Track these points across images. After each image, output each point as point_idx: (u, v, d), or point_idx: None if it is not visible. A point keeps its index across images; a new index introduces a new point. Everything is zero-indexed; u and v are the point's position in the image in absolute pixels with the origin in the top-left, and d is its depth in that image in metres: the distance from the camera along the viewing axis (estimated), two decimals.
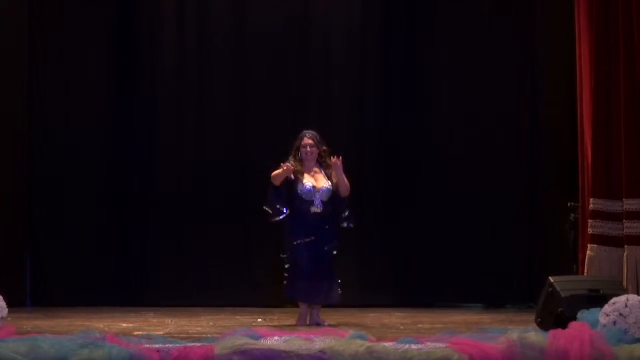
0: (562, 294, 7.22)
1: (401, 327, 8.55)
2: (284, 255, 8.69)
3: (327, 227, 8.63)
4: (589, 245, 9.22)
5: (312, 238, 8.55)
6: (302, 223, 8.58)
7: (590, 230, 9.24)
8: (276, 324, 8.76)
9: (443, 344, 6.08)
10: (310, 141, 8.72)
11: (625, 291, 7.55)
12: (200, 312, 9.91)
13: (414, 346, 6.05)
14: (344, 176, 8.71)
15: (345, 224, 8.76)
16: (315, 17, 11.16)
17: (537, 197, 11.09)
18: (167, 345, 6.07)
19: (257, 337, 6.15)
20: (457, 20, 11.17)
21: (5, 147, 10.60)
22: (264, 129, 10.92)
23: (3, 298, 6.95)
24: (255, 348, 5.92)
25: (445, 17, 11.19)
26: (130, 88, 11.13)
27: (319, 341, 6.06)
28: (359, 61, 11.22)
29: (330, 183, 8.68)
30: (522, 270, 11.06)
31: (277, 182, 8.59)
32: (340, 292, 8.77)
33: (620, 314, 6.40)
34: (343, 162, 8.68)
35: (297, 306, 8.85)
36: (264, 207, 8.68)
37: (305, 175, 8.68)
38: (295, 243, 8.57)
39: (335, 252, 8.70)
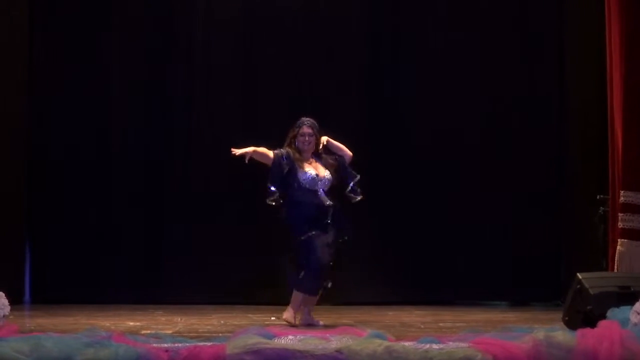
0: (591, 291, 7.21)
1: (422, 326, 8.56)
2: (292, 254, 8.52)
3: (332, 216, 8.44)
4: (619, 240, 9.18)
5: (318, 231, 8.34)
6: (305, 216, 8.38)
7: (620, 225, 9.20)
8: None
9: (465, 343, 6.06)
10: (309, 130, 8.56)
11: None
12: (210, 310, 9.94)
13: (435, 346, 6.04)
14: (340, 144, 8.64)
15: (353, 196, 8.55)
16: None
17: (564, 190, 11.08)
18: (176, 345, 6.06)
19: (271, 337, 6.13)
20: (484, 5, 11.22)
21: (5, 142, 10.68)
22: (274, 124, 10.93)
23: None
24: (268, 348, 5.91)
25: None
26: (130, 88, 11.24)
27: (336, 340, 6.04)
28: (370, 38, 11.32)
29: (329, 173, 8.54)
30: (548, 267, 11.05)
31: (257, 159, 8.49)
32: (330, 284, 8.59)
33: None
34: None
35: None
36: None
37: (305, 164, 8.52)
38: (302, 238, 8.37)
39: (346, 238, 8.50)
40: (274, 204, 8.47)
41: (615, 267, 9.14)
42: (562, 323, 7.40)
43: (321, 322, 8.58)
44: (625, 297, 7.05)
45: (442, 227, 11.04)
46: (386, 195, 10.95)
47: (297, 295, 8.52)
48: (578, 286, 7.35)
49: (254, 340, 5.96)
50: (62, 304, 10.47)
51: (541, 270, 11.02)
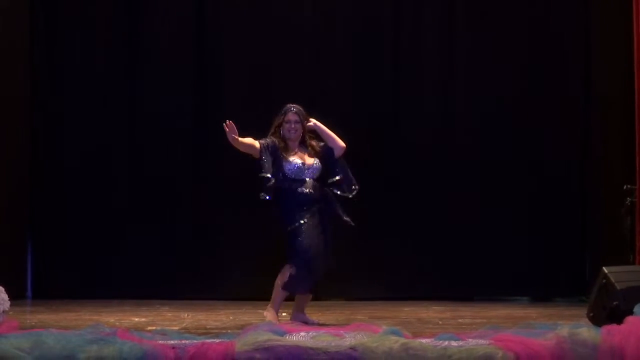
0: (617, 286, 7.19)
1: (439, 322, 8.55)
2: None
3: (323, 201, 8.23)
4: None
5: (307, 218, 8.12)
6: (293, 206, 8.17)
7: None
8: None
9: (486, 340, 6.06)
10: (295, 117, 8.32)
11: None
12: (219, 306, 9.96)
13: (453, 343, 6.02)
14: (331, 132, 8.37)
15: (338, 191, 8.27)
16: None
17: (589, 180, 11.06)
18: (183, 342, 6.05)
19: (282, 333, 6.12)
20: None
21: (7, 139, 10.79)
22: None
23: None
24: (279, 345, 5.90)
25: None
26: (133, 88, 11.33)
27: (350, 337, 6.02)
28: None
29: (318, 161, 8.31)
30: (572, 260, 11.05)
31: (241, 149, 8.28)
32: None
33: None
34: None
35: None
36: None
37: (290, 154, 8.29)
38: (289, 229, 8.15)
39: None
40: (267, 198, 8.27)
41: None
42: (586, 319, 7.38)
43: (316, 321, 8.40)
44: None
45: (462, 220, 11.04)
46: (409, 189, 10.99)
47: (277, 292, 8.31)
48: (604, 281, 7.33)
49: (264, 337, 5.95)
50: (64, 299, 10.51)
51: (565, 265, 11.02)
